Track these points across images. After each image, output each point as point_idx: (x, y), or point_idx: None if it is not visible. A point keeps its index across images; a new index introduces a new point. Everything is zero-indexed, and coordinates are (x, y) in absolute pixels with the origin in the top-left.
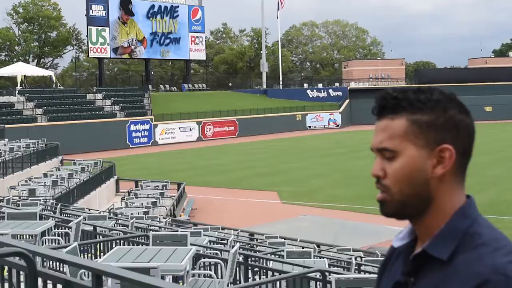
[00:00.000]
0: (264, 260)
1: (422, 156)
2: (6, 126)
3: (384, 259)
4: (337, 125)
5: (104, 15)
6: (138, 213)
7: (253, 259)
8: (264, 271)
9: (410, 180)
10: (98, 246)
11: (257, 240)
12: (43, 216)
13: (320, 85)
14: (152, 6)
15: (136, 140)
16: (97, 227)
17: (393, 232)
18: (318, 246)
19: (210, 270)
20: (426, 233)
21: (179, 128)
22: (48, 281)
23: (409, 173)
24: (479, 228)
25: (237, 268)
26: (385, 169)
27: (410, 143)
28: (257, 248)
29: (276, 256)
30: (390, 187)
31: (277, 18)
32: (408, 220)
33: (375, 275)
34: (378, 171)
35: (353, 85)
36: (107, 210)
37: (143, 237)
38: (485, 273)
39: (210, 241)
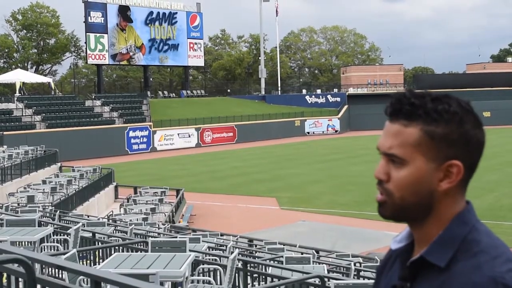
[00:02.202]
0: (263, 266)
1: (430, 169)
2: (4, 133)
3: (383, 260)
4: (336, 131)
5: (102, 21)
6: (137, 219)
7: (252, 265)
8: (263, 277)
9: (414, 190)
10: (97, 252)
11: (256, 246)
12: (42, 223)
13: (319, 91)
14: (151, 13)
15: (135, 147)
16: (96, 234)
17: (392, 237)
18: (317, 252)
19: (209, 276)
20: (423, 238)
21: (178, 134)
22: None
23: (414, 183)
24: (478, 235)
25: (236, 274)
26: (390, 174)
27: (421, 154)
28: (256, 254)
29: (275, 262)
30: (393, 192)
31: (276, 21)
32: (407, 223)
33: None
34: (382, 175)
35: (351, 91)
36: (106, 217)
37: (142, 244)
38: (483, 283)
39: (209, 247)
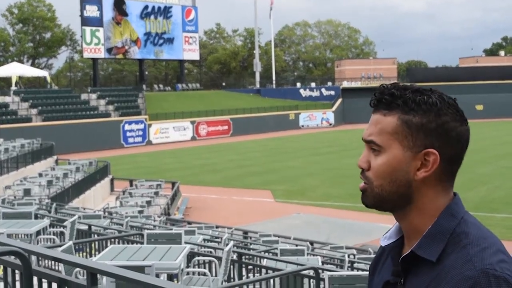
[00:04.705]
0: (258, 258)
1: (406, 157)
2: (1, 126)
3: (375, 257)
4: (330, 124)
5: (98, 15)
6: (133, 212)
7: (247, 257)
8: (258, 269)
9: (391, 178)
10: (93, 244)
11: (251, 238)
12: (38, 215)
13: (313, 84)
14: (146, 7)
15: (131, 140)
16: (92, 226)
17: (385, 230)
18: (312, 244)
19: (204, 268)
20: (412, 232)
21: (173, 127)
22: (43, 280)
23: (391, 171)
24: (466, 226)
25: (231, 266)
26: (370, 162)
27: (397, 142)
28: (251, 246)
29: (270, 254)
30: (372, 180)
31: (270, 18)
32: (391, 213)
33: (368, 272)
34: (363, 163)
35: (345, 84)
36: (102, 209)
37: (137, 236)
38: (475, 276)
39: (204, 240)
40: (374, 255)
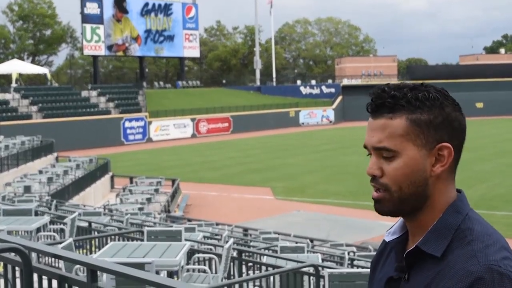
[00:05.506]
0: (258, 255)
1: (422, 156)
2: (1, 123)
3: (377, 253)
4: (330, 122)
5: (98, 12)
6: (133, 209)
7: (247, 254)
8: (258, 266)
9: (410, 180)
10: (93, 241)
11: (251, 236)
12: (39, 212)
13: (313, 82)
14: (146, 4)
15: (131, 137)
16: (92, 223)
17: (385, 227)
18: (312, 241)
19: (205, 265)
20: (417, 228)
21: (174, 124)
22: (44, 277)
23: (410, 173)
24: (471, 223)
25: (231, 263)
26: (383, 168)
27: (411, 143)
28: (251, 244)
29: (270, 251)
30: (389, 186)
31: (270, 15)
32: (402, 217)
33: (368, 270)
34: (375, 171)
35: (345, 81)
36: (102, 206)
37: (138, 233)
38: (479, 271)
39: (204, 237)
40: (375, 252)
